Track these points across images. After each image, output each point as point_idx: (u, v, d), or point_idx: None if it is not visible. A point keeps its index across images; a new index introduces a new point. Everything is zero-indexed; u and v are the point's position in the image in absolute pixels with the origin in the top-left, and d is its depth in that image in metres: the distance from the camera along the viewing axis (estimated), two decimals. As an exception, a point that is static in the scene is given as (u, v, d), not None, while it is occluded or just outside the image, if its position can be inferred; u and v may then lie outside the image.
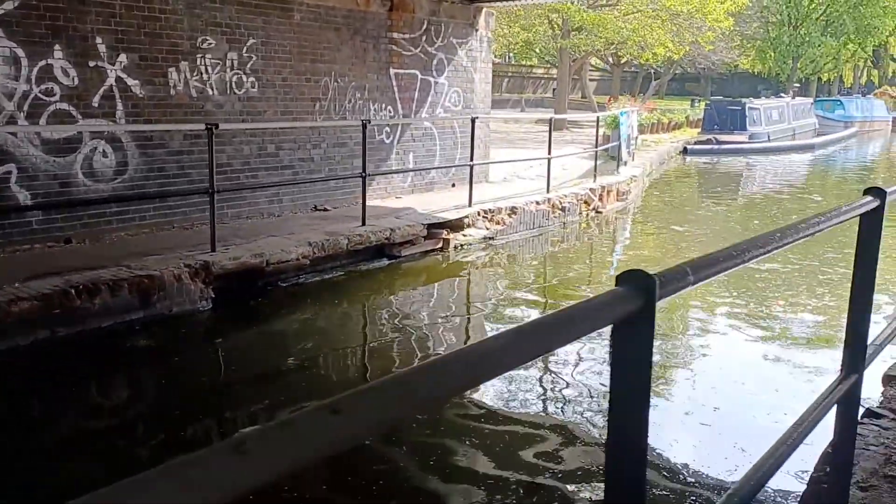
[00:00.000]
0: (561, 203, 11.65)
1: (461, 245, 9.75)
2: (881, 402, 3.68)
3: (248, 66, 8.91)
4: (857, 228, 2.48)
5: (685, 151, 25.48)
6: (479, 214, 10.15)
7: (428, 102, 11.44)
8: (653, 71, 40.57)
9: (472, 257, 9.66)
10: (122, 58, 7.69)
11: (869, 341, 2.66)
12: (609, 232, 12.44)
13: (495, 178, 13.25)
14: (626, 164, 16.72)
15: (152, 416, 5.27)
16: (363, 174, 8.72)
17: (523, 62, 42.68)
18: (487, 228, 10.19)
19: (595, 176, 13.48)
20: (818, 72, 44.59)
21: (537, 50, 31.71)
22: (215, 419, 5.31)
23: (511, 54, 43.74)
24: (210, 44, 8.48)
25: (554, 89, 44.21)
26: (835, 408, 2.40)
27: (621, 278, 1.17)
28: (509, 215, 10.56)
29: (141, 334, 6.25)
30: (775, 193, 17.94)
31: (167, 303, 6.54)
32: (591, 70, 47.56)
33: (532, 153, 15.34)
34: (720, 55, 33.58)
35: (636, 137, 18.45)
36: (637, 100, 35.18)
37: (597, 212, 12.75)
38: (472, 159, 10.32)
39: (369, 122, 8.82)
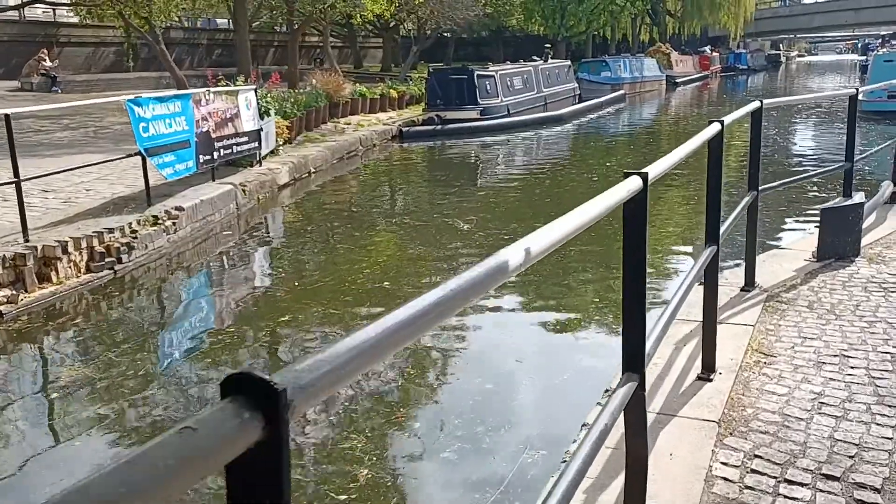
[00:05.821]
0: None
1: None
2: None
3: None
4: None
5: (401, 136, 19.56)
6: None
7: None
8: (436, 36, 34.34)
9: None
10: None
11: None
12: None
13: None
14: (213, 176, 10.40)
15: None
16: None
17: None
18: None
19: (25, 232, 6.94)
20: (589, 30, 40.36)
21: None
22: None
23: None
24: None
25: (316, 58, 37.78)
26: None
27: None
28: None
29: None
30: (418, 224, 11.08)
31: None
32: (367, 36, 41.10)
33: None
34: (464, 13, 27.95)
35: (262, 130, 12.11)
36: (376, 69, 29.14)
37: (-6, 313, 6.24)
38: None
39: None
